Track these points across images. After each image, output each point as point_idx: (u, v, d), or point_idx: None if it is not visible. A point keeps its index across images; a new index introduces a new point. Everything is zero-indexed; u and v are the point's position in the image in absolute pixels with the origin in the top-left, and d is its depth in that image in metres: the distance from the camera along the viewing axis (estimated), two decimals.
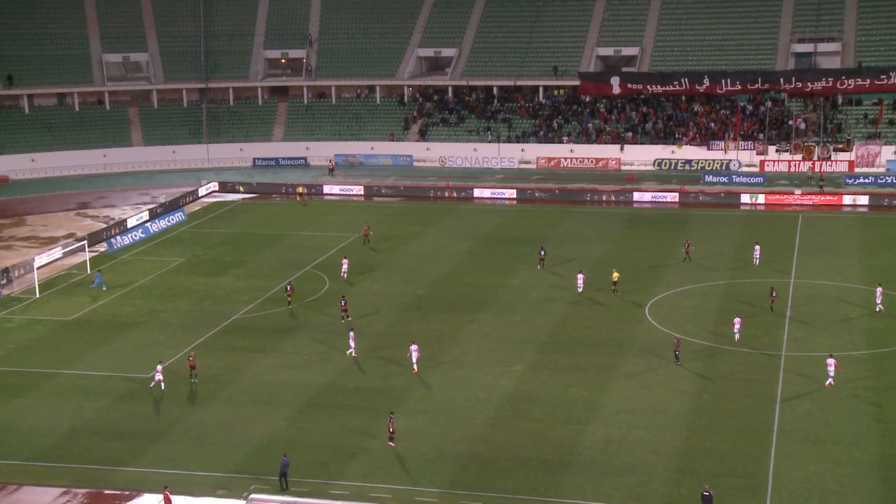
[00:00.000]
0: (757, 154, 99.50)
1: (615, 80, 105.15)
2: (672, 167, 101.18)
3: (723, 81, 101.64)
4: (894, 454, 41.62)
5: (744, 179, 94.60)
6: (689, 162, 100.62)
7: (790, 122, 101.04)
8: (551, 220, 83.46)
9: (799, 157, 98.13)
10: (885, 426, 44.10)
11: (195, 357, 51.58)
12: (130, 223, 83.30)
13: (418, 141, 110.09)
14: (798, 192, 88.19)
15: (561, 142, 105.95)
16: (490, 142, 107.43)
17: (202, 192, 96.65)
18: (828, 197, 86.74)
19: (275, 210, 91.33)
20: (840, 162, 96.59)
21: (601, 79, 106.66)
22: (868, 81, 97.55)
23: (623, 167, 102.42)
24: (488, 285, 65.78)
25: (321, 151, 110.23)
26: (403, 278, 67.97)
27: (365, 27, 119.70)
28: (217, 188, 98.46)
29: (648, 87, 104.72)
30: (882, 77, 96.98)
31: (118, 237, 79.29)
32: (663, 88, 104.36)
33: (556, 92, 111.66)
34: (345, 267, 68.51)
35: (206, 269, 71.56)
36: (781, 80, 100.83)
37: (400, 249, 75.32)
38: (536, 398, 48.26)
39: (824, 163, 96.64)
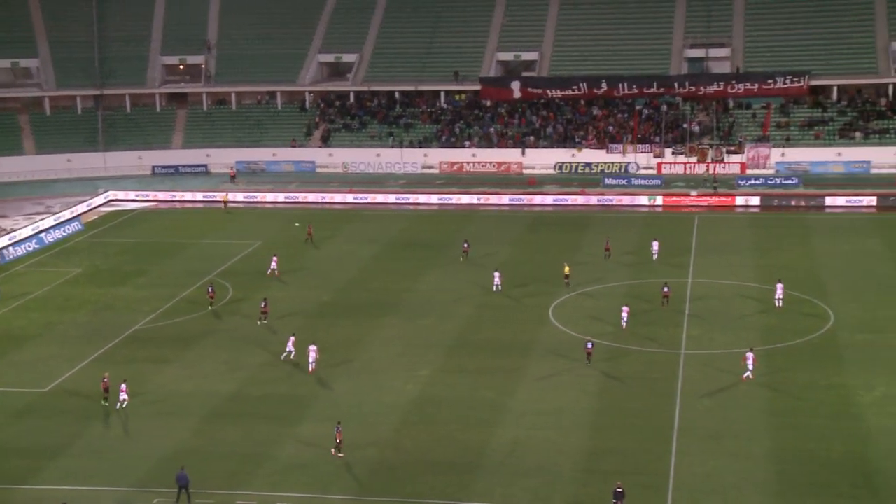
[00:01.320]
0: (654, 156, 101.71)
1: (516, 85, 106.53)
2: (573, 170, 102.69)
3: (620, 85, 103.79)
4: (788, 447, 42.95)
5: (642, 181, 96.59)
6: (589, 165, 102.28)
7: (685, 125, 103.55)
8: (455, 223, 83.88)
9: (694, 159, 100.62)
10: (780, 420, 45.47)
11: (109, 378, 49.76)
12: (24, 233, 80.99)
13: (321, 147, 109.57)
14: (694, 193, 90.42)
15: (463, 146, 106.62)
16: (393, 147, 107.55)
17: (99, 200, 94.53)
18: (722, 198, 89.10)
19: (175, 218, 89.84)
20: (732, 164, 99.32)
21: (502, 83, 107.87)
22: (756, 86, 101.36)
23: (525, 171, 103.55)
24: (395, 290, 65.81)
25: (222, 158, 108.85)
26: (309, 285, 67.55)
27: (264, 32, 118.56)
28: (115, 197, 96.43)
29: (548, 91, 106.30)
30: (769, 81, 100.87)
31: (11, 248, 76.97)
32: (563, 93, 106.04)
33: (457, 97, 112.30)
34: (273, 265, 68.92)
35: (105, 280, 70.02)
36: (675, 84, 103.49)
37: (305, 256, 74.82)
38: (444, 402, 48.47)
39: (718, 165, 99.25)
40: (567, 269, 65.95)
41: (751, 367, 49.48)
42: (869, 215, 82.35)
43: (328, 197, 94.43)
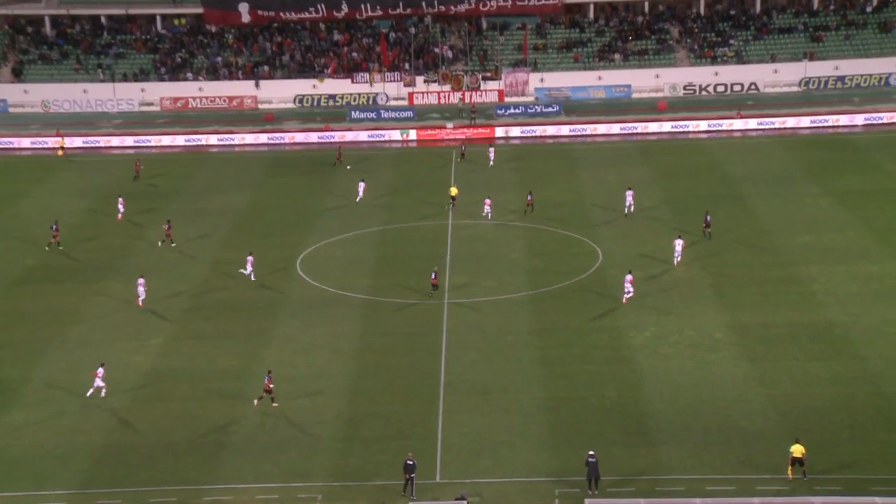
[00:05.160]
0: (405, 86, 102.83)
1: (244, 7, 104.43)
2: (315, 104, 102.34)
3: (362, 6, 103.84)
4: (558, 397, 45.15)
5: (393, 114, 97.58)
6: (333, 97, 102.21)
7: (436, 50, 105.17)
8: (184, 168, 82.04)
9: (448, 87, 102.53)
10: (551, 369, 47.64)
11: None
12: None
13: (13, 83, 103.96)
14: (450, 125, 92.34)
15: (187, 79, 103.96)
16: (103, 81, 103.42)
17: None
18: (480, 130, 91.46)
19: None
20: (490, 91, 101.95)
21: (227, 6, 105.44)
22: (510, 3, 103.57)
23: (261, 106, 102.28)
24: (116, 248, 63.95)
25: None
26: (7, 246, 64.39)
27: None
28: None
29: (282, 14, 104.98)
30: None
31: None
32: (298, 16, 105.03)
33: (176, 21, 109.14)
34: (121, 207, 69.36)
35: None
36: (423, 3, 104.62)
37: (1, 212, 71.04)
38: (181, 374, 47.72)
39: (474, 93, 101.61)
40: (454, 190, 69.86)
41: (630, 289, 53.55)
42: (634, 143, 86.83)
43: (19, 142, 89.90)
